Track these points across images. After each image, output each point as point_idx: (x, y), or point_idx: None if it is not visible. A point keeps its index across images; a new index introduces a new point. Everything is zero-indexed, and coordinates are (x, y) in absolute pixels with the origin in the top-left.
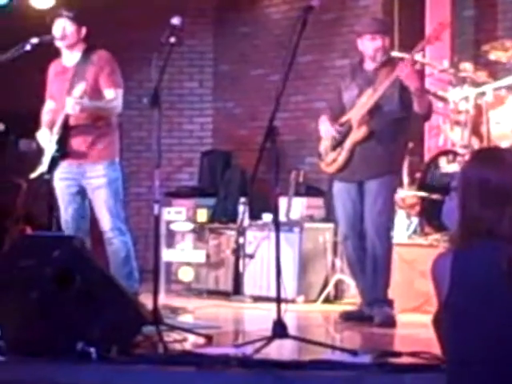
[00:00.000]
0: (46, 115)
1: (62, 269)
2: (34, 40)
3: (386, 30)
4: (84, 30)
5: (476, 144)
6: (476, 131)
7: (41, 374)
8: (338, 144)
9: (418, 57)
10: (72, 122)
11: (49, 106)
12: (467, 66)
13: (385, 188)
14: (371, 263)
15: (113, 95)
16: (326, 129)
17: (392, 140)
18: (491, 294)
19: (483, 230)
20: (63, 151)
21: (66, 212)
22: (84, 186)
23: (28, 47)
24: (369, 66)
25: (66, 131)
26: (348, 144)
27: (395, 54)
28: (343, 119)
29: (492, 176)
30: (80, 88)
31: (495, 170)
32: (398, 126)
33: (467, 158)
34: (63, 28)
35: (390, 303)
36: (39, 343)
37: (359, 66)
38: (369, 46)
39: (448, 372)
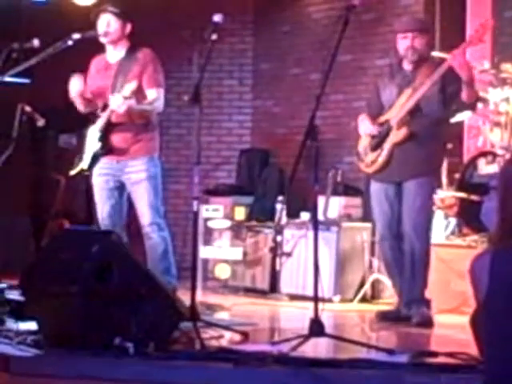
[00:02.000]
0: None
1: (101, 264)
2: (76, 35)
3: (417, 28)
4: (129, 27)
5: None
6: None
7: (78, 368)
8: (377, 145)
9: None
10: (114, 119)
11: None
12: (508, 67)
13: (424, 188)
14: (409, 263)
15: (155, 95)
16: (366, 127)
17: (431, 141)
18: None
19: None
20: (106, 148)
21: (103, 208)
22: (124, 181)
23: (70, 42)
24: (407, 65)
25: (108, 128)
26: (388, 145)
27: (435, 53)
28: (382, 119)
29: None
30: (130, 87)
31: None
32: (438, 127)
33: (508, 157)
34: (107, 24)
35: (427, 303)
36: (77, 338)
37: (398, 66)
38: (400, 44)
39: (486, 372)
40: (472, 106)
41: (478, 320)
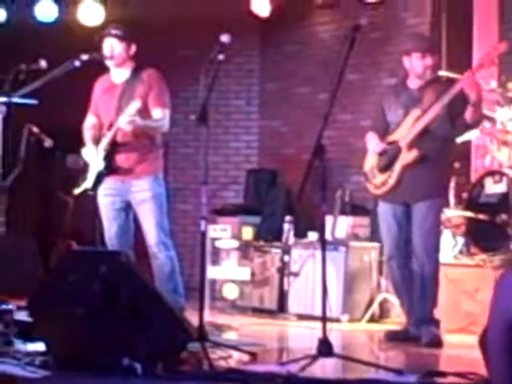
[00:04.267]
0: (88, 131)
1: (109, 284)
2: (84, 56)
3: (435, 48)
4: (133, 48)
5: None
6: None
7: None
8: (386, 166)
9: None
10: (119, 138)
11: (90, 121)
12: None
13: (433, 209)
14: (419, 283)
15: (160, 115)
16: (375, 144)
17: (440, 161)
18: None
19: None
20: (110, 168)
21: (110, 229)
22: (129, 200)
23: (77, 63)
24: (413, 84)
25: (113, 148)
26: (398, 167)
27: (443, 73)
28: (390, 139)
29: None
30: (135, 106)
31: None
32: (445, 147)
33: None
34: (111, 47)
35: (436, 323)
36: (85, 358)
37: (402, 85)
38: (418, 64)
39: None
40: (473, 128)
41: (486, 339)
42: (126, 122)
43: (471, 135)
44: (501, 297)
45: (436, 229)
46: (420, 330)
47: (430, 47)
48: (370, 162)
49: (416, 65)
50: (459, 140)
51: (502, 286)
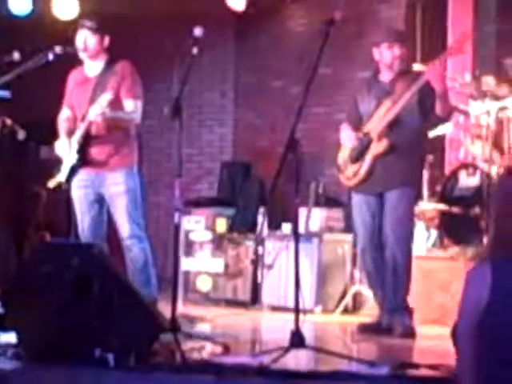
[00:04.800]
0: (62, 123)
1: (81, 276)
2: (58, 49)
3: (403, 39)
4: (107, 40)
5: (497, 158)
6: (497, 145)
7: (58, 380)
8: (357, 157)
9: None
10: (93, 131)
11: (65, 114)
12: (489, 80)
13: (405, 198)
14: (391, 271)
15: (132, 107)
16: (349, 135)
17: (411, 151)
18: None
19: None
20: (84, 160)
21: (83, 220)
22: (103, 193)
23: (51, 56)
24: (385, 76)
25: (87, 140)
26: (369, 157)
27: (417, 66)
28: (363, 130)
29: None
30: (106, 97)
31: None
32: (416, 138)
33: (501, 170)
34: (85, 39)
35: (409, 312)
36: (57, 350)
37: (374, 78)
38: (386, 54)
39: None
40: (446, 120)
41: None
42: (95, 113)
43: (445, 129)
44: (470, 290)
45: (408, 217)
46: (393, 320)
47: (397, 38)
48: (344, 153)
49: (385, 55)
50: (433, 134)
51: (471, 279)
